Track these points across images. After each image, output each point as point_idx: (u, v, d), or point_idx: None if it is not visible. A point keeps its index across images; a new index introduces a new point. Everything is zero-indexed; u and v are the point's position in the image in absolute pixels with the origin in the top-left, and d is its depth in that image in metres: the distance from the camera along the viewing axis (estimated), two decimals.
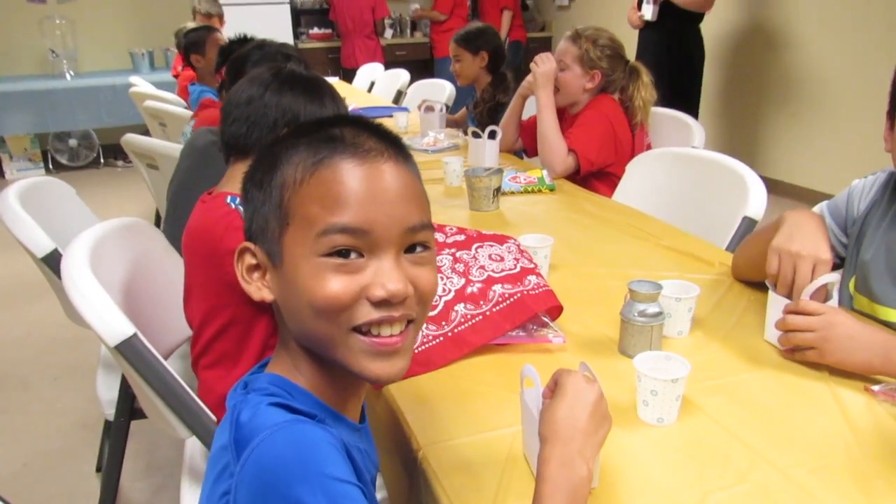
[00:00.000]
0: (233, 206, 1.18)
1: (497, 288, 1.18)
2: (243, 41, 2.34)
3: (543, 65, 2.27)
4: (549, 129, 2.21)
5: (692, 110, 4.09)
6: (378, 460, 0.82)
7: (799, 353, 1.08)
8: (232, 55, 1.96)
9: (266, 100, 1.22)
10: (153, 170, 2.40)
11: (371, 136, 0.69)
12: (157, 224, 3.03)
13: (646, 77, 2.29)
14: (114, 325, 1.10)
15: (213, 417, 1.19)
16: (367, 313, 0.66)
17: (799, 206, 1.60)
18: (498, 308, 1.16)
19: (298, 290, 0.66)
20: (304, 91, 1.23)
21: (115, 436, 1.62)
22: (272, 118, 1.21)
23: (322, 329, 0.66)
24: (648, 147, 2.33)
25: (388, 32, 6.67)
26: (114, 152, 6.07)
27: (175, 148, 2.24)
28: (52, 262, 1.51)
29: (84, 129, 5.82)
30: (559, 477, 0.72)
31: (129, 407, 1.60)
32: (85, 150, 5.95)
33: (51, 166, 5.84)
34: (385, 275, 0.65)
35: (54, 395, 2.56)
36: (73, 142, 5.88)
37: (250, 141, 1.23)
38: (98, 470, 2.12)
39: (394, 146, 0.70)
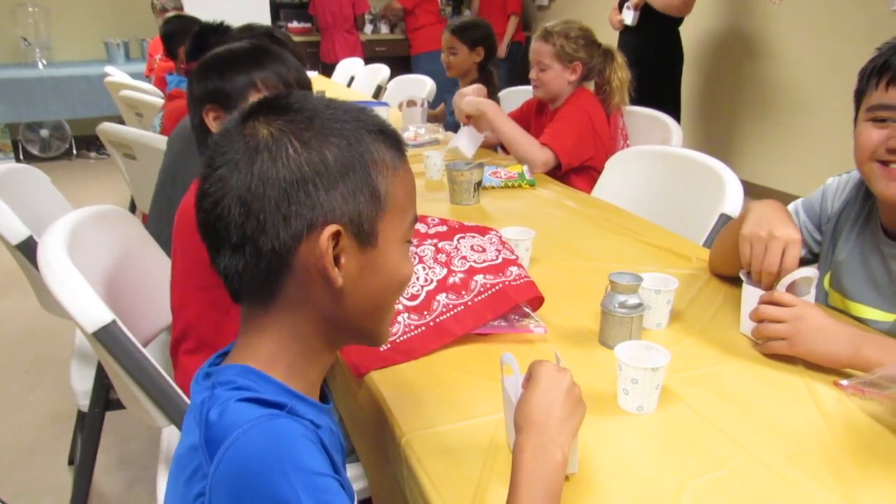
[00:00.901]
0: None
1: (479, 278, 1.18)
2: (218, 29, 2.30)
3: (463, 99, 2.31)
4: (510, 133, 2.22)
5: (671, 112, 4.12)
6: (343, 440, 0.81)
7: (769, 343, 1.10)
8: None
9: (192, 93, 1.27)
10: (130, 159, 2.37)
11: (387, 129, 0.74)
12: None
13: (619, 58, 2.34)
14: (92, 312, 1.09)
15: None
16: (408, 284, 0.82)
17: None
18: (480, 298, 1.16)
19: (388, 270, 0.72)
20: (248, 59, 1.27)
21: (90, 427, 1.60)
22: (197, 105, 1.27)
23: (391, 304, 0.77)
24: (624, 133, 2.36)
25: (368, 28, 6.65)
26: (87, 143, 5.98)
27: (152, 137, 2.22)
28: (27, 249, 1.49)
29: (56, 120, 5.72)
30: (534, 464, 0.73)
31: (103, 398, 1.58)
32: (57, 140, 5.85)
33: (21, 157, 5.73)
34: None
35: (25, 388, 2.52)
36: (44, 132, 5.77)
37: (198, 133, 1.28)
38: (70, 463, 2.09)
39: None
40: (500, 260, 1.23)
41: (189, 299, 1.25)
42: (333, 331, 0.72)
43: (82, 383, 1.64)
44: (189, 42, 2.35)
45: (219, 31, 2.31)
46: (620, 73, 2.31)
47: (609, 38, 4.33)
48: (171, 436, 1.38)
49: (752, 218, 1.20)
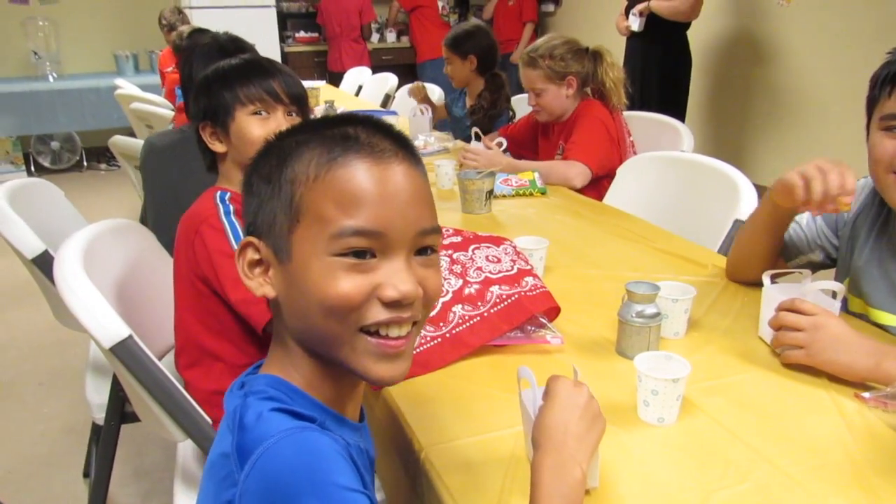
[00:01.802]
0: (217, 199, 1.21)
1: (495, 289, 1.18)
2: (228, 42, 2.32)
3: (480, 156, 2.22)
4: (544, 168, 2.19)
5: (679, 117, 4.13)
6: (375, 457, 0.81)
7: (787, 352, 1.08)
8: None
9: (204, 101, 1.30)
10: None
11: (385, 137, 0.69)
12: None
13: (608, 57, 2.31)
14: (109, 327, 1.09)
15: (209, 419, 1.18)
16: (376, 313, 0.66)
17: None
18: (496, 309, 1.16)
19: (308, 287, 0.65)
20: (194, 92, 1.31)
21: (105, 440, 1.60)
22: (194, 123, 1.31)
23: (329, 328, 0.66)
24: (629, 132, 2.34)
25: (374, 37, 6.67)
26: (97, 155, 6.02)
27: None
28: (43, 263, 1.49)
29: (67, 132, 5.76)
30: (553, 482, 0.72)
31: (119, 410, 1.58)
32: (67, 152, 5.90)
33: (33, 169, 5.77)
34: (397, 276, 0.65)
35: (39, 401, 2.52)
36: (55, 144, 5.82)
37: (203, 150, 1.32)
38: (85, 475, 2.09)
39: (406, 148, 0.70)
40: (515, 270, 1.22)
41: (185, 313, 1.26)
42: (313, 347, 0.70)
43: (97, 396, 1.65)
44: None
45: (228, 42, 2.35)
46: (612, 73, 2.28)
47: (617, 43, 4.36)
48: (187, 448, 1.38)
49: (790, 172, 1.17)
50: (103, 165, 5.97)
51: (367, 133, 0.68)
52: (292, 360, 0.71)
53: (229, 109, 1.26)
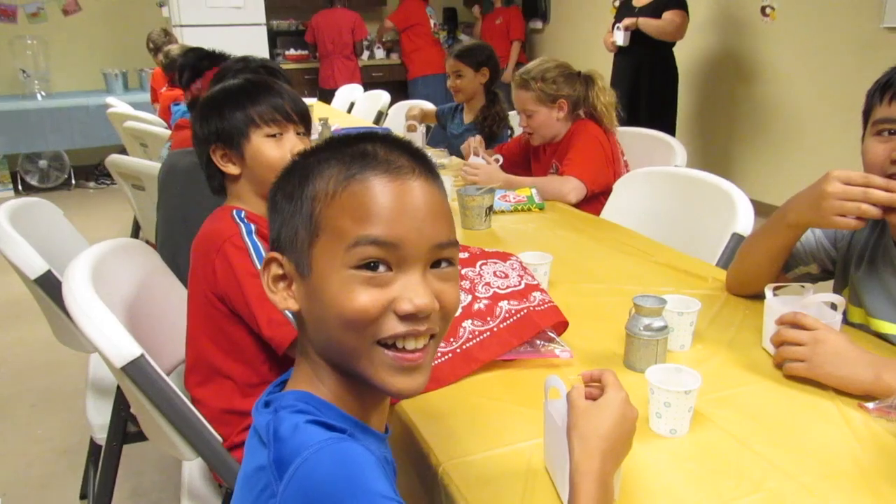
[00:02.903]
0: (237, 218, 1.20)
1: (503, 304, 1.19)
2: (210, 56, 2.35)
3: (480, 171, 2.25)
4: (539, 183, 2.21)
5: (669, 132, 4.19)
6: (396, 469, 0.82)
7: (788, 365, 1.10)
8: (217, 73, 1.97)
9: (216, 123, 1.29)
10: (139, 190, 2.38)
11: (402, 153, 0.70)
12: None
13: (600, 81, 2.34)
14: (121, 347, 1.09)
15: (220, 438, 1.18)
16: (393, 327, 0.67)
17: None
18: (505, 324, 1.17)
19: (326, 301, 0.67)
20: (204, 107, 1.31)
21: (107, 461, 1.59)
22: (201, 149, 1.32)
23: (347, 341, 0.67)
24: (624, 158, 2.37)
25: (365, 54, 6.72)
26: (85, 173, 5.99)
27: (159, 168, 2.23)
28: (46, 283, 1.49)
29: (55, 151, 5.74)
30: (597, 494, 0.74)
31: (121, 430, 1.57)
32: (55, 171, 5.87)
33: (20, 188, 5.74)
34: (412, 289, 0.66)
35: (33, 422, 2.50)
36: (43, 163, 5.79)
37: (210, 173, 1.33)
38: (82, 497, 2.07)
39: (423, 164, 0.71)
40: (522, 285, 1.24)
41: (197, 332, 1.26)
42: (332, 361, 0.72)
43: (99, 417, 1.64)
44: (186, 72, 2.39)
45: (212, 57, 2.37)
46: (604, 97, 2.32)
47: (605, 59, 4.43)
48: (193, 467, 1.38)
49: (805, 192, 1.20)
50: (92, 184, 5.95)
51: (386, 149, 0.70)
52: (318, 373, 0.72)
53: (244, 131, 1.26)
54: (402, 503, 0.61)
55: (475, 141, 2.45)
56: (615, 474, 0.78)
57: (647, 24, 4.12)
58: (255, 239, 1.18)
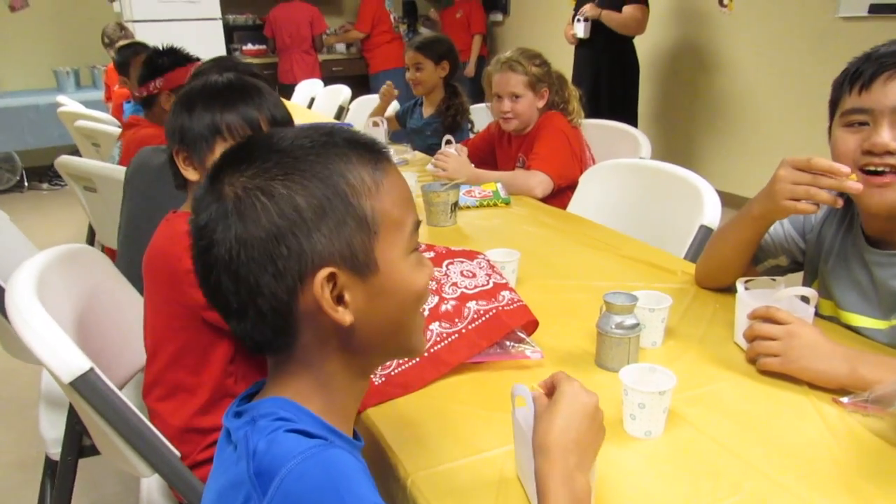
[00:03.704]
0: None
1: (472, 305, 1.16)
2: (170, 53, 2.27)
3: (452, 161, 2.22)
4: (505, 178, 2.18)
5: (631, 123, 4.20)
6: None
7: (762, 360, 1.09)
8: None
9: (184, 122, 1.20)
10: (90, 192, 2.29)
11: (362, 138, 0.72)
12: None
13: (567, 79, 2.38)
14: (68, 361, 1.03)
15: (178, 453, 1.12)
16: (428, 292, 0.75)
17: (734, 212, 1.65)
18: (473, 325, 1.14)
19: (401, 286, 0.70)
20: (179, 106, 1.22)
21: (62, 476, 1.52)
22: (170, 147, 1.23)
23: (413, 317, 0.74)
24: (590, 151, 2.37)
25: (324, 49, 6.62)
26: (38, 175, 5.80)
27: (114, 169, 2.15)
28: None
29: (6, 152, 5.53)
30: (563, 491, 0.71)
31: (76, 445, 1.50)
32: (7, 172, 5.67)
33: None
34: (426, 258, 0.77)
35: None
36: None
37: (175, 174, 1.24)
38: None
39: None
40: (491, 285, 1.20)
41: (161, 345, 1.19)
42: (363, 359, 0.72)
43: (52, 430, 1.56)
44: (142, 67, 2.30)
45: (170, 53, 2.29)
46: (575, 92, 2.35)
47: (566, 52, 4.42)
48: (152, 483, 1.32)
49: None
50: (45, 185, 5.76)
51: (365, 138, 0.72)
52: (320, 387, 0.69)
53: (209, 141, 1.18)
54: None
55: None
56: (589, 468, 0.75)
57: (610, 17, 4.12)
58: None
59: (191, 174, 1.21)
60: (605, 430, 0.79)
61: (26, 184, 5.73)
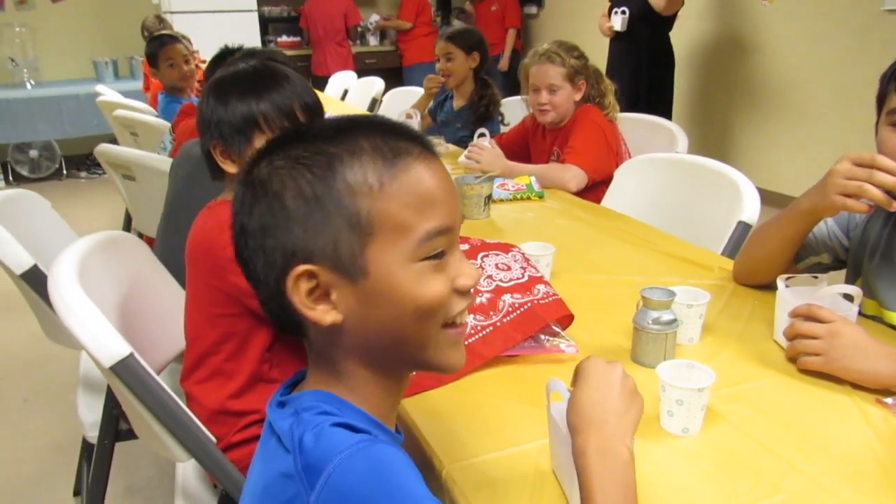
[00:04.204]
0: None
1: (507, 298, 1.15)
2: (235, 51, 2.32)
3: (486, 154, 2.22)
4: (539, 171, 2.17)
5: (666, 117, 4.15)
6: None
7: (803, 359, 1.07)
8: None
9: (220, 114, 1.20)
10: (129, 180, 2.33)
11: (406, 134, 0.68)
12: None
13: (602, 73, 2.35)
14: (109, 345, 1.05)
15: (213, 438, 1.14)
16: (457, 305, 0.68)
17: (770, 209, 1.62)
18: (508, 318, 1.13)
19: (397, 297, 0.64)
20: (214, 95, 1.22)
21: (99, 459, 1.55)
22: (204, 139, 1.23)
23: (419, 331, 0.67)
24: (626, 146, 2.34)
25: (357, 41, 6.64)
26: (76, 163, 5.92)
27: (152, 157, 2.18)
28: (32, 278, 1.44)
29: (46, 140, 5.66)
30: (601, 466, 0.71)
31: (113, 429, 1.54)
32: (46, 161, 5.79)
33: (10, 178, 5.66)
34: (464, 264, 0.68)
35: (24, 417, 2.46)
36: (33, 153, 5.71)
37: (210, 165, 1.24)
38: (76, 494, 2.03)
39: (425, 141, 0.70)
40: (526, 278, 1.20)
41: (202, 329, 1.21)
42: (378, 360, 0.69)
43: (90, 414, 1.60)
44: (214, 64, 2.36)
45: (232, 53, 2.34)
46: (611, 86, 2.34)
47: (601, 45, 4.37)
48: (188, 469, 1.34)
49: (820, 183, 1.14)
50: (83, 173, 5.88)
51: (395, 131, 0.67)
52: (343, 380, 0.69)
53: (247, 134, 1.19)
54: (438, 501, 0.59)
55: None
56: (629, 437, 0.73)
57: None
58: None
59: (229, 167, 1.22)
60: (641, 397, 0.77)
61: (65, 172, 5.86)
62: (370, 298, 0.64)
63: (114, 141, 3.35)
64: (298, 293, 0.64)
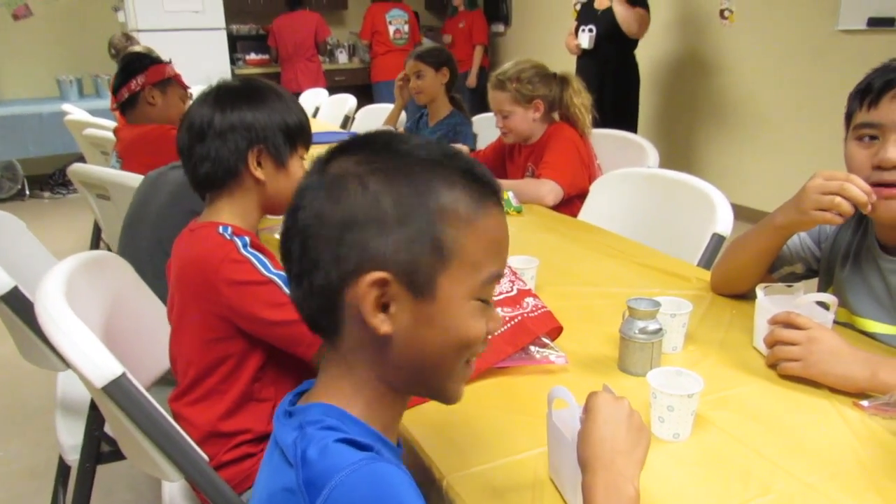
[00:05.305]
0: (226, 236, 1.14)
1: (497, 311, 1.17)
2: (143, 55, 2.51)
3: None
4: (515, 186, 2.20)
5: (631, 132, 4.23)
6: None
7: (783, 365, 1.11)
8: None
9: (218, 128, 1.19)
10: (103, 200, 2.30)
11: (490, 178, 0.71)
12: None
13: (576, 83, 2.34)
14: (101, 366, 1.04)
15: (206, 457, 1.14)
16: (482, 346, 0.73)
17: (736, 222, 1.69)
18: (499, 332, 1.15)
19: (448, 327, 0.68)
20: (246, 100, 1.22)
21: (80, 483, 1.52)
22: (233, 143, 1.19)
23: (451, 362, 0.71)
24: (596, 160, 2.38)
25: (325, 58, 6.65)
26: (39, 183, 5.80)
27: (129, 176, 2.16)
28: (13, 300, 1.42)
29: (7, 160, 5.54)
30: (608, 502, 0.72)
31: (95, 451, 1.51)
32: (8, 181, 5.67)
33: None
34: (495, 311, 0.74)
35: None
36: None
37: (221, 173, 1.21)
38: None
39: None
40: (514, 291, 1.22)
41: (196, 355, 1.19)
42: (397, 380, 0.71)
43: (70, 437, 1.57)
44: (117, 77, 2.44)
45: (143, 55, 2.51)
46: (578, 99, 2.32)
47: (567, 62, 4.45)
48: (174, 489, 1.32)
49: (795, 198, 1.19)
50: (47, 194, 5.76)
51: (482, 174, 0.70)
52: (358, 391, 0.70)
53: (293, 141, 1.22)
54: None
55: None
56: (636, 474, 0.75)
57: (618, 9, 4.09)
58: (253, 251, 1.14)
59: (259, 174, 1.21)
60: (648, 432, 0.80)
61: (27, 192, 5.73)
62: (426, 320, 0.67)
63: (80, 160, 3.30)
64: (368, 298, 0.65)
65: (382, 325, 0.66)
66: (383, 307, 0.67)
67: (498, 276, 0.71)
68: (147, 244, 1.73)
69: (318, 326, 0.71)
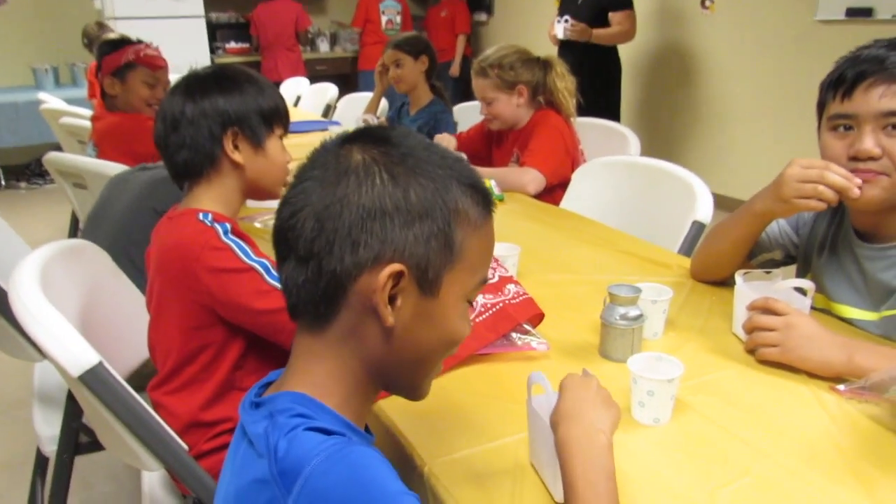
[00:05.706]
0: (207, 222, 1.13)
1: (479, 298, 1.17)
2: (120, 42, 2.46)
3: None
4: (498, 175, 2.19)
5: (614, 121, 4.24)
6: None
7: (761, 351, 1.12)
8: None
9: (190, 116, 1.18)
10: (80, 189, 2.27)
11: (485, 188, 0.73)
12: None
13: (559, 67, 2.32)
14: (77, 355, 1.03)
15: (185, 446, 1.13)
16: (457, 347, 0.76)
17: (714, 210, 1.69)
18: (481, 318, 1.15)
19: (445, 324, 0.70)
20: (217, 85, 1.20)
21: (58, 474, 1.50)
22: (206, 128, 1.18)
23: (435, 359, 0.74)
24: (580, 145, 2.38)
25: (307, 47, 6.59)
26: (16, 174, 5.71)
27: (106, 165, 2.13)
28: None
29: None
30: (582, 452, 0.76)
31: (73, 442, 1.50)
32: None
33: None
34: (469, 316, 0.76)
35: None
36: None
37: (199, 159, 1.20)
38: None
39: None
40: (496, 278, 1.22)
41: (175, 343, 1.18)
42: (379, 372, 0.71)
43: (48, 428, 1.55)
44: (97, 57, 2.46)
45: (106, 44, 2.49)
46: (562, 83, 2.30)
47: (549, 51, 4.43)
48: (153, 478, 1.31)
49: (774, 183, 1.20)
50: (23, 184, 5.67)
51: (481, 185, 0.72)
52: (339, 380, 0.69)
53: (269, 122, 1.21)
54: (415, 496, 0.60)
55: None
56: (608, 430, 0.79)
57: (600, 36, 4.14)
58: (234, 238, 1.12)
59: (237, 157, 1.19)
60: (617, 406, 0.84)
61: (3, 183, 5.64)
62: (425, 316, 0.68)
63: (57, 149, 3.24)
64: (385, 288, 0.65)
65: (389, 316, 0.67)
66: (390, 299, 0.67)
67: (485, 282, 0.74)
68: (107, 244, 1.70)
69: (310, 312, 0.69)
